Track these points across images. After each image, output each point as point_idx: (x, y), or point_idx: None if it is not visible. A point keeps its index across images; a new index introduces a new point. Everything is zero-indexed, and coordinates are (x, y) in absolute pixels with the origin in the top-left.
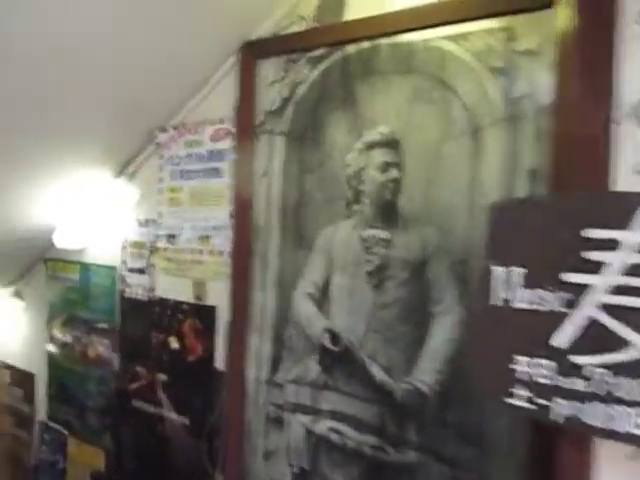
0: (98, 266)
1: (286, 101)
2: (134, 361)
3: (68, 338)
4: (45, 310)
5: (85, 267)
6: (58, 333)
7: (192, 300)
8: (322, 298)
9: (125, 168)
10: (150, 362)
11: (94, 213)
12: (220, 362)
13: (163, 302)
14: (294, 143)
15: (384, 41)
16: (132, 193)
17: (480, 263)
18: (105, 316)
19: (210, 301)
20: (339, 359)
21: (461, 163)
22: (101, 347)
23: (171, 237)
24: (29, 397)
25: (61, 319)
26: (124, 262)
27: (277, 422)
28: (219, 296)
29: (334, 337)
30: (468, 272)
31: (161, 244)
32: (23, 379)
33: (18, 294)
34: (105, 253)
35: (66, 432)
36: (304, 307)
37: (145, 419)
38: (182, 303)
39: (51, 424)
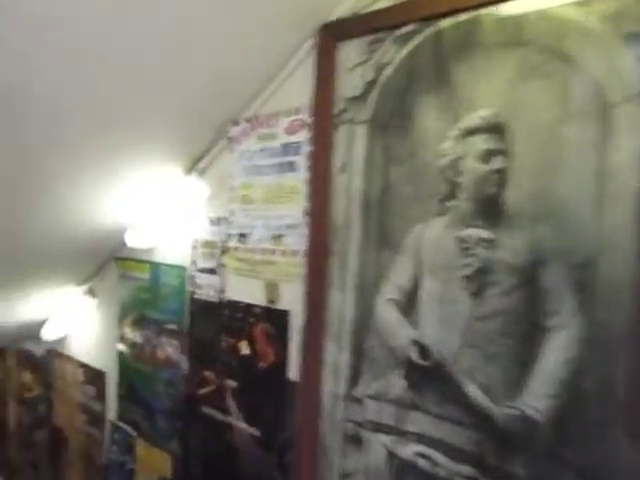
0: (168, 266)
1: (370, 85)
2: (203, 365)
3: (138, 338)
4: (117, 308)
5: (155, 267)
6: (128, 332)
7: (264, 303)
8: (409, 305)
9: (196, 164)
10: (219, 367)
11: (164, 212)
12: (293, 371)
13: (234, 304)
14: (378, 132)
15: (486, 11)
16: (203, 190)
17: (614, 266)
18: (174, 317)
19: (283, 305)
20: (428, 376)
21: (584, 148)
22: (170, 348)
23: (242, 236)
24: (101, 395)
25: (132, 318)
26: (194, 262)
27: (355, 441)
28: (293, 299)
29: (423, 350)
30: (590, 278)
31: (232, 243)
32: (95, 377)
33: (92, 292)
34: (175, 253)
35: (135, 433)
36: (388, 314)
37: (213, 426)
38: (253, 306)
39: (120, 424)
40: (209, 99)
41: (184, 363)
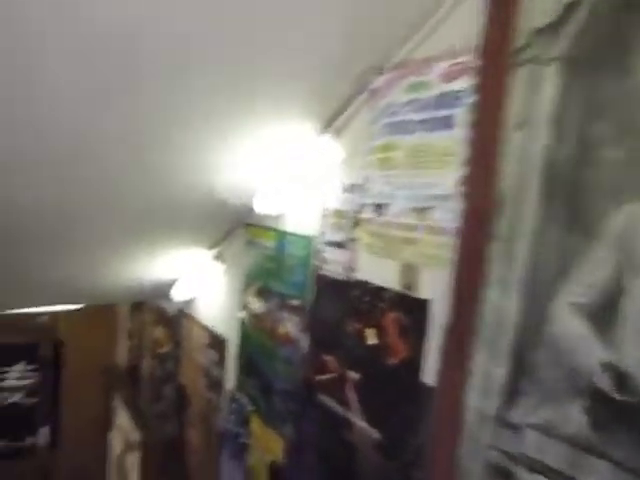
0: (294, 235)
1: (570, 7)
2: (323, 348)
3: (260, 309)
4: (242, 276)
5: (281, 235)
6: (252, 302)
7: (398, 288)
8: (604, 314)
9: (331, 123)
10: (341, 353)
11: (295, 175)
12: (429, 374)
13: (363, 285)
14: (577, 73)
15: None
16: (337, 152)
17: None
18: (297, 291)
19: (422, 293)
20: (624, 414)
21: None
22: (291, 325)
23: (379, 207)
24: (221, 362)
25: (256, 288)
26: (322, 233)
27: (503, 476)
28: (435, 288)
29: (620, 379)
30: None
31: (366, 215)
32: (217, 343)
33: (220, 257)
34: (303, 221)
35: (251, 408)
36: (570, 323)
37: (330, 418)
38: (385, 290)
39: (238, 395)
40: (348, 45)
41: (304, 342)
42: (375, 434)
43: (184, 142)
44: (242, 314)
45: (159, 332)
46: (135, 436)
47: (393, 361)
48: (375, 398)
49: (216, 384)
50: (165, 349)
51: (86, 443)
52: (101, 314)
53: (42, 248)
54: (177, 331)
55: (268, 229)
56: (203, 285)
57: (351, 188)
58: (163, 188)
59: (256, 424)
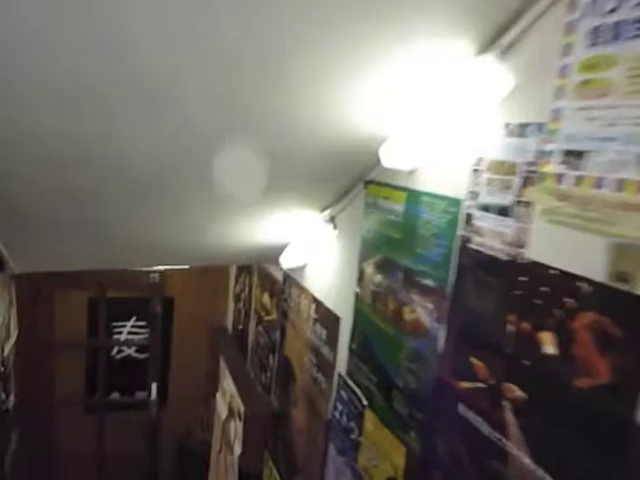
0: (433, 196)
1: None
2: (469, 348)
3: (380, 286)
4: (359, 245)
5: (414, 197)
6: (369, 277)
7: (603, 279)
8: None
9: (495, 39)
10: (497, 359)
11: (436, 116)
12: None
13: (538, 270)
14: None
15: None
16: (504, 80)
17: None
18: (433, 269)
19: None
20: None
21: None
22: (422, 310)
23: (575, 156)
24: (332, 341)
25: (375, 260)
26: (474, 194)
27: None
28: None
29: None
30: None
31: (550, 168)
32: (328, 319)
33: (333, 221)
34: (445, 178)
35: (364, 402)
36: None
37: (475, 439)
38: (579, 279)
39: (350, 383)
40: None
41: (440, 335)
42: (546, 477)
43: (307, 74)
44: (358, 290)
45: (265, 299)
46: (239, 404)
47: (585, 384)
48: (550, 431)
49: (325, 364)
50: (271, 317)
51: (192, 403)
52: (210, 275)
53: (155, 207)
54: (284, 300)
55: (396, 188)
56: (314, 252)
57: (523, 130)
58: (280, 138)
59: (370, 422)
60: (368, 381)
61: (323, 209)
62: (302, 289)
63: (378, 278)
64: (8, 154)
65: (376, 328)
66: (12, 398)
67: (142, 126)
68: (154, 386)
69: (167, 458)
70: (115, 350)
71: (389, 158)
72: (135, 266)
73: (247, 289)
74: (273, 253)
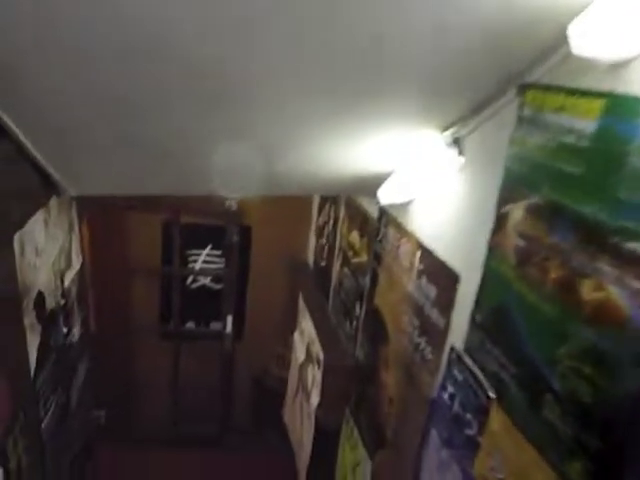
0: None
1: None
2: None
3: (536, 242)
4: (498, 178)
5: (622, 106)
6: (516, 226)
7: None
8: None
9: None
10: None
11: None
12: None
13: None
14: None
15: None
16: None
17: None
18: None
19: None
20: None
21: None
22: (618, 289)
23: None
24: (444, 305)
25: (529, 203)
26: None
27: None
28: None
29: None
30: None
31: None
32: (440, 274)
33: (457, 144)
34: None
35: (491, 395)
36: None
37: None
38: None
39: (468, 362)
40: None
41: None
42: None
43: None
44: (491, 241)
45: (354, 237)
46: (318, 350)
47: None
48: None
49: (432, 331)
50: (360, 259)
51: (268, 338)
52: (291, 204)
53: (226, 121)
54: (378, 241)
55: (585, 94)
56: (426, 186)
57: None
58: (394, 15)
59: (499, 423)
60: (500, 368)
61: (445, 128)
62: (404, 231)
63: (533, 230)
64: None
65: (523, 301)
66: (77, 330)
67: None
68: (229, 318)
69: (242, 392)
70: (190, 279)
71: (580, 42)
72: (203, 192)
73: (331, 223)
74: (369, 184)
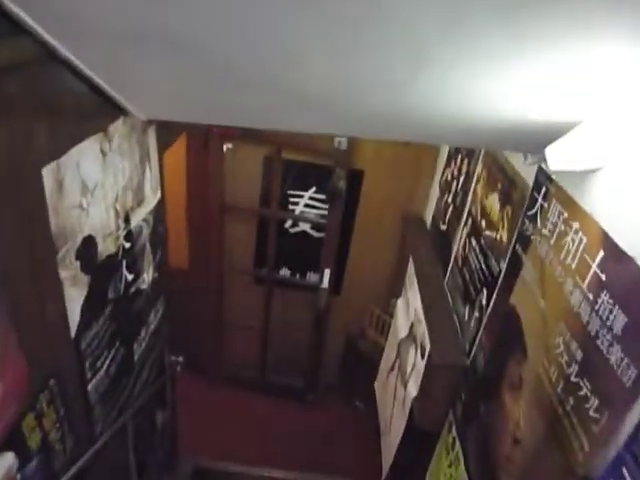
0: None
1: None
2: None
3: None
4: None
5: None
6: None
7: None
8: None
9: None
10: None
11: None
12: None
13: None
14: None
15: None
16: None
17: None
18: None
19: None
20: None
21: None
22: None
23: None
24: (637, 345)
25: None
26: None
27: None
28: None
29: None
30: None
31: None
32: (637, 298)
33: None
34: None
35: None
36: None
37: None
38: None
39: None
40: None
41: None
42: None
43: None
44: None
45: (492, 203)
46: (425, 337)
47: None
48: None
49: (607, 379)
50: (495, 234)
51: (368, 298)
52: (412, 149)
53: (342, 39)
54: (528, 217)
55: None
56: (629, 151)
57: None
58: None
59: None
60: None
61: None
62: (578, 213)
63: None
64: None
65: None
66: (148, 275)
67: None
68: (327, 272)
69: (333, 351)
70: (289, 223)
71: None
72: (308, 130)
73: (462, 179)
74: (530, 137)
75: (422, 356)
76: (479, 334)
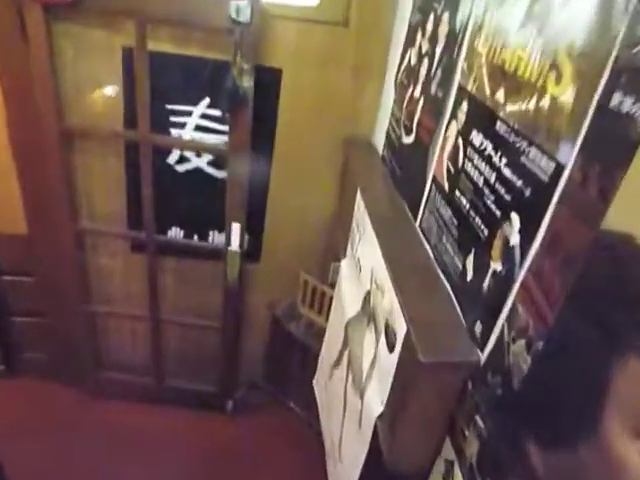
0: None
1: None
2: None
3: None
4: None
5: None
6: None
7: None
8: None
9: None
10: None
11: None
12: None
13: None
14: None
15: None
16: None
17: None
18: None
19: None
20: None
21: None
22: None
23: None
24: None
25: None
26: None
27: None
28: None
29: None
30: None
31: None
32: None
33: None
34: None
35: None
36: None
37: None
38: None
39: None
40: None
41: None
42: None
43: None
44: None
45: (521, 48)
46: (394, 311)
47: None
48: None
49: None
50: (537, 102)
51: (297, 268)
52: (353, 43)
53: None
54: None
55: None
56: None
57: None
58: None
59: None
60: None
61: None
62: None
63: None
64: None
65: None
66: None
67: None
68: (236, 228)
69: (254, 339)
70: (174, 156)
71: None
72: None
73: (443, 44)
74: None
75: (390, 347)
76: (508, 299)
